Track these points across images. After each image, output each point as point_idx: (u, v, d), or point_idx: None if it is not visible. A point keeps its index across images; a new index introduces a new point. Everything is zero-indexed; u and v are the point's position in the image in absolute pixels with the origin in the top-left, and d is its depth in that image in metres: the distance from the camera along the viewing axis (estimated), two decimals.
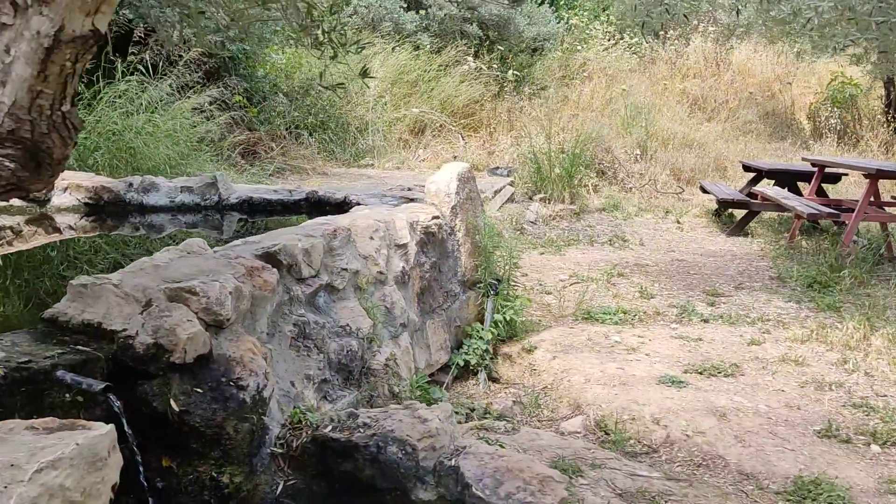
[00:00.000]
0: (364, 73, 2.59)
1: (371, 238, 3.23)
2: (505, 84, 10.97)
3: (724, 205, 7.52)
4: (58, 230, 4.11)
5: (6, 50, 1.47)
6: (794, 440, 3.12)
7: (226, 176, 4.52)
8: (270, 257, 2.64)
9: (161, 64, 6.44)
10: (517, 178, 8.26)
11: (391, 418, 2.32)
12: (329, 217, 3.34)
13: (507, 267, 4.20)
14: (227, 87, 7.14)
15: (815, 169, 7.59)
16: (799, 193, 7.84)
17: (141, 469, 1.91)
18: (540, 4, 13.24)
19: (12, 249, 3.81)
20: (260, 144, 7.82)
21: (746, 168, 8.59)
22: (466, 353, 3.81)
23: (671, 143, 10.15)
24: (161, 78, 6.38)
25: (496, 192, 7.39)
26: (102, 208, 4.22)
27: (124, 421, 1.89)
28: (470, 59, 10.89)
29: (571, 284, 5.24)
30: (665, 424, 3.16)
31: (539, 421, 3.40)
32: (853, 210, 6.48)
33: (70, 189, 4.16)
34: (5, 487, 1.44)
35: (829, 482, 2.78)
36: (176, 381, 2.12)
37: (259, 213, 4.32)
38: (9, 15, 1.46)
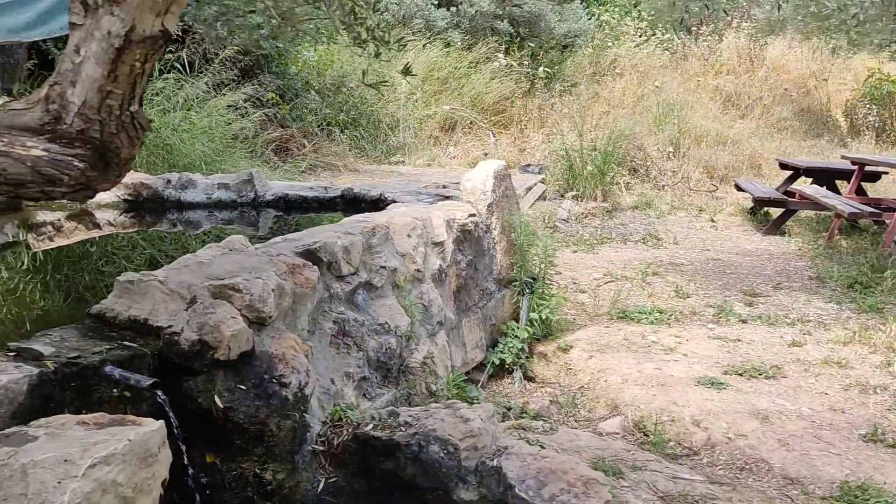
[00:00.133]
0: (406, 71, 2.58)
1: (409, 236, 3.23)
2: (535, 81, 10.90)
3: (760, 203, 7.40)
4: (97, 226, 4.17)
5: (76, 50, 1.48)
6: (838, 444, 3.05)
7: (261, 173, 4.55)
8: (311, 255, 2.65)
9: (198, 62, 6.50)
10: (548, 175, 8.21)
11: (433, 417, 2.31)
12: (367, 214, 3.34)
13: (542, 265, 4.17)
14: (261, 84, 7.18)
15: (855, 167, 7.43)
16: (837, 192, 7.68)
17: (188, 466, 1.92)
18: (571, 0, 13.13)
19: (53, 245, 3.87)
20: (292, 141, 7.86)
21: (783, 166, 8.43)
22: (502, 352, 3.79)
23: (704, 141, 10.01)
24: (197, 75, 6.44)
25: (528, 190, 7.34)
26: (141, 205, 4.27)
27: (171, 417, 1.91)
28: (500, 55, 10.84)
29: (606, 283, 5.19)
30: (706, 426, 3.11)
31: (576, 421, 3.37)
32: (894, 209, 6.33)
33: None
34: (59, 482, 1.46)
35: (877, 488, 2.72)
36: (220, 377, 2.13)
37: (295, 209, 4.33)
38: (79, 14, 1.46)
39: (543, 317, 4.00)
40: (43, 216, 4.10)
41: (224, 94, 6.62)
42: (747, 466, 2.90)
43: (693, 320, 4.51)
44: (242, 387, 2.16)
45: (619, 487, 2.32)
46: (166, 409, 1.92)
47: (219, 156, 5.95)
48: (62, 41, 5.83)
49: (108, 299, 2.19)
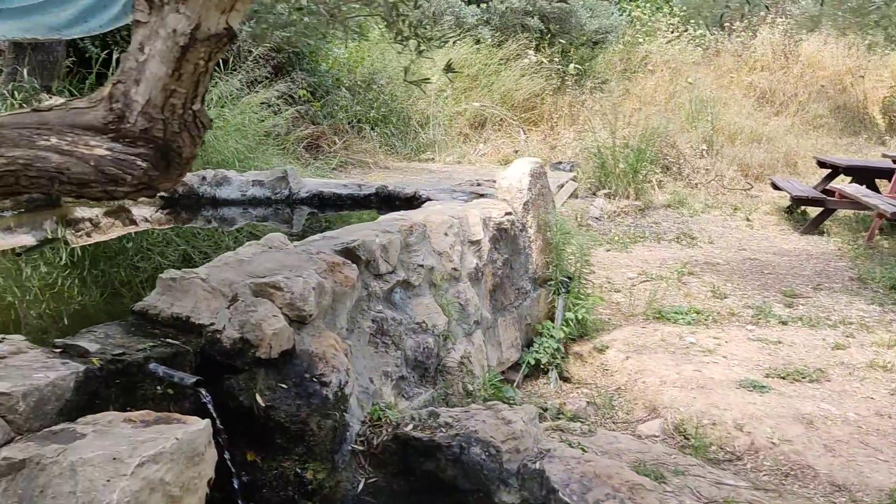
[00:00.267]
0: (449, 69, 2.55)
1: (445, 234, 3.20)
2: (566, 78, 10.81)
3: (798, 202, 7.25)
4: (134, 222, 4.20)
5: (140, 48, 1.47)
6: (886, 450, 2.97)
7: (295, 170, 4.55)
8: (349, 253, 2.63)
9: (232, 59, 6.53)
10: (580, 173, 8.13)
11: (474, 419, 2.27)
12: (404, 213, 3.32)
13: (578, 264, 4.12)
14: (293, 81, 7.20)
15: None
16: (877, 191, 7.50)
17: (231, 465, 1.91)
18: None
19: (91, 241, 3.91)
20: (323, 138, 7.87)
21: (821, 164, 8.25)
22: (537, 352, 3.75)
23: (738, 138, 9.84)
24: (231, 73, 6.47)
25: (559, 188, 7.27)
26: (177, 201, 4.29)
27: (214, 415, 1.90)
28: (531, 52, 10.76)
29: (640, 282, 5.12)
30: (749, 431, 3.04)
31: (614, 423, 3.32)
32: None
33: None
34: (108, 481, 1.45)
35: None
36: (261, 376, 2.12)
37: (329, 207, 4.33)
38: (144, 12, 1.45)
39: (579, 317, 3.95)
40: (81, 212, 4.14)
41: (257, 92, 6.64)
42: (793, 472, 2.83)
43: (731, 321, 4.42)
44: (283, 385, 2.15)
45: (663, 493, 2.27)
46: (209, 407, 1.91)
47: (251, 153, 5.97)
48: (99, 39, 5.90)
49: (151, 296, 2.19)
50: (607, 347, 3.93)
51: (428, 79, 2.65)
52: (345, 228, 2.93)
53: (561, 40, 11.44)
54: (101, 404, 1.78)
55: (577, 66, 11.07)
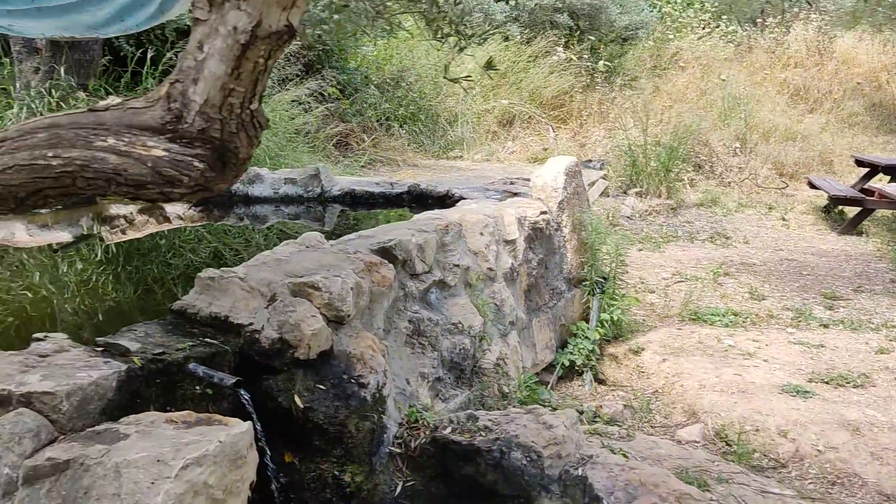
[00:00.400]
0: (489, 66, 2.51)
1: (481, 234, 3.15)
2: (595, 75, 10.69)
3: (835, 201, 7.09)
4: (167, 219, 4.21)
5: (199, 46, 1.43)
6: None
7: (327, 168, 4.54)
8: (386, 252, 2.60)
9: None
10: (610, 171, 8.03)
11: (514, 423, 2.23)
12: (439, 211, 3.28)
13: (613, 264, 4.05)
14: (324, 79, 7.20)
15: None
16: None
17: (271, 467, 1.89)
18: None
19: (125, 238, 3.93)
20: (352, 136, 7.87)
21: (859, 163, 8.06)
22: (572, 353, 3.69)
23: (772, 136, 9.65)
24: None
25: (590, 186, 7.18)
26: (210, 198, 4.29)
27: (255, 416, 1.87)
28: (560, 49, 10.65)
29: (675, 283, 5.03)
30: (793, 438, 2.96)
31: (651, 427, 3.25)
32: None
33: None
34: (153, 483, 1.43)
35: None
36: (300, 376, 2.10)
37: (361, 205, 4.31)
38: (203, 10, 1.42)
39: (614, 318, 3.89)
40: (116, 209, 4.17)
41: (288, 90, 6.65)
42: (839, 481, 2.75)
43: (771, 324, 4.32)
44: (321, 386, 2.12)
45: (709, 502, 2.21)
46: (249, 408, 1.89)
47: (282, 150, 5.97)
48: (134, 38, 5.93)
49: (190, 295, 2.18)
50: (643, 349, 3.86)
51: (469, 76, 2.61)
52: (380, 227, 2.90)
53: (590, 37, 11.32)
54: (141, 404, 1.76)
55: (606, 62, 10.94)
